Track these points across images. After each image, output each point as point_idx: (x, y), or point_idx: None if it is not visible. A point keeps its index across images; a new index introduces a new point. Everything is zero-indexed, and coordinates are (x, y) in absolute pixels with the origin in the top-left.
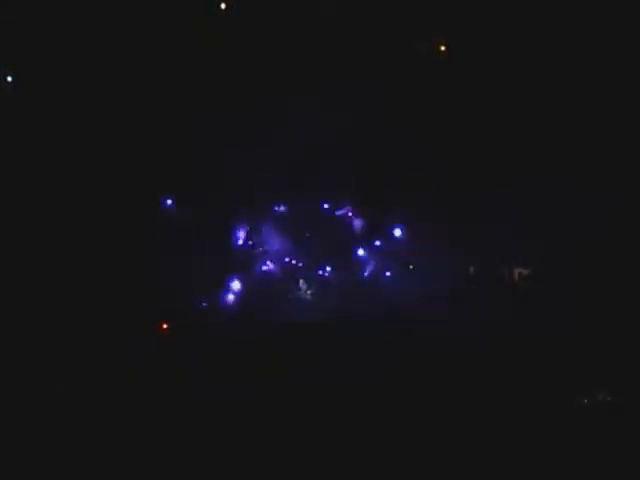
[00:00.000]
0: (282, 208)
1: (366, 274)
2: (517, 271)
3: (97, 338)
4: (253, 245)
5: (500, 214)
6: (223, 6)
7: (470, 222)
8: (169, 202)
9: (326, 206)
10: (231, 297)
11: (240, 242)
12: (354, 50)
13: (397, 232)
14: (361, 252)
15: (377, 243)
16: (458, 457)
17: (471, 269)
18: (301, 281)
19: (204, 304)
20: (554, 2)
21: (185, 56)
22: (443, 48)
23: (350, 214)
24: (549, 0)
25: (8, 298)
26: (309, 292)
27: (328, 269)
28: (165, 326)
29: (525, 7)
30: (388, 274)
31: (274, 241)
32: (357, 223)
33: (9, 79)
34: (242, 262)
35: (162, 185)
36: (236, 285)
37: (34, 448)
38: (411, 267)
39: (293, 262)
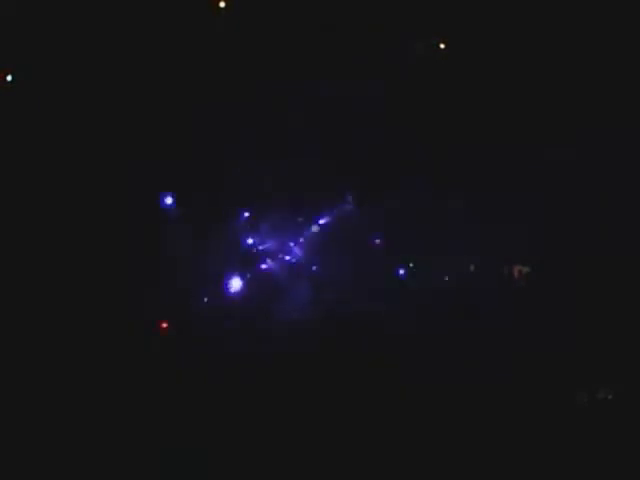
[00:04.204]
0: (282, 207)
1: (366, 273)
2: (517, 269)
3: (97, 338)
4: (253, 245)
5: (500, 213)
6: (222, 4)
7: (470, 222)
8: (169, 201)
9: (326, 205)
10: (231, 297)
11: (240, 242)
12: (354, 50)
13: (396, 231)
14: (361, 251)
15: (377, 242)
16: (458, 456)
17: (471, 267)
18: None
19: (204, 304)
20: (554, 2)
21: (185, 56)
22: (442, 46)
23: (350, 213)
24: (549, 0)
25: (8, 297)
26: (309, 291)
27: (328, 268)
28: (165, 326)
29: (525, 7)
30: (388, 273)
31: (274, 240)
32: (357, 222)
33: (9, 79)
34: (242, 262)
35: (162, 184)
36: (236, 284)
37: (34, 448)
38: (411, 266)
39: (293, 262)
